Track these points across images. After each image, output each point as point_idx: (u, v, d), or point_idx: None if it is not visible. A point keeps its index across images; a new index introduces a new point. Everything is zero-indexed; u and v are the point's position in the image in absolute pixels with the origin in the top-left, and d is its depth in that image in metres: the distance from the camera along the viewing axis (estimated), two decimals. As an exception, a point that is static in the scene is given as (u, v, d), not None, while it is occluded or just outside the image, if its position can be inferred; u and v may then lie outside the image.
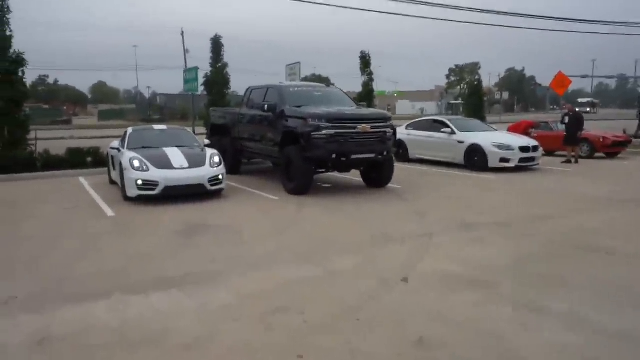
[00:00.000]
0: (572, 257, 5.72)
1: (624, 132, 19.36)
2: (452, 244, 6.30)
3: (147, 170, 9.11)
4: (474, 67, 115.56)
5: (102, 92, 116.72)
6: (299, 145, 9.72)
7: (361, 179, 11.21)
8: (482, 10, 20.64)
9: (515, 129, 18.06)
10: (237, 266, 5.43)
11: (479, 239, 6.48)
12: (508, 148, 13.36)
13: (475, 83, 21.85)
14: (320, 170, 10.38)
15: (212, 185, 9.45)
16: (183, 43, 16.06)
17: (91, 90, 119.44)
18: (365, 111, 10.50)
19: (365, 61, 19.11)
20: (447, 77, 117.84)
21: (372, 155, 9.85)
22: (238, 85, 16.02)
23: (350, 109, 10.58)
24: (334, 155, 9.49)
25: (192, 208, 8.73)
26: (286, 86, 11.46)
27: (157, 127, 11.48)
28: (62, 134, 29.84)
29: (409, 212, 8.31)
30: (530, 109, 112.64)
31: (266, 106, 10.64)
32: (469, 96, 22.08)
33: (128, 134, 10.82)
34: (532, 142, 13.85)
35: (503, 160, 13.30)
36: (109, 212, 8.54)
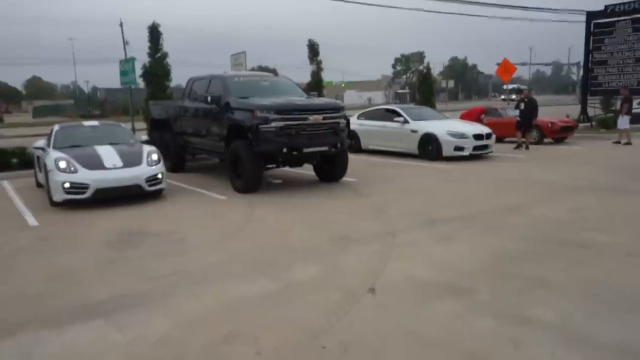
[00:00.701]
0: (548, 253, 5.30)
1: (567, 116, 19.67)
2: (418, 243, 5.77)
3: (75, 171, 8.11)
4: (419, 57, 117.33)
5: (37, 88, 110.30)
6: (247, 139, 8.97)
7: (314, 173, 10.58)
8: None
9: (468, 116, 17.94)
10: (177, 284, 4.66)
11: (446, 236, 5.99)
12: (462, 136, 13.08)
13: (425, 71, 21.63)
14: (271, 166, 9.66)
15: (150, 185, 8.55)
16: (122, 34, 14.84)
17: (25, 85, 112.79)
18: (317, 101, 9.84)
19: (313, 49, 18.45)
20: (393, 66, 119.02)
21: (326, 148, 9.22)
22: (181, 78, 15.04)
23: (301, 99, 9.89)
24: (284, 149, 8.80)
25: (128, 213, 7.82)
26: (231, 76, 10.63)
27: (87, 123, 10.37)
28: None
29: (368, 208, 7.75)
30: (474, 96, 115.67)
31: (209, 98, 9.79)
32: (420, 84, 21.86)
33: (54, 131, 9.69)
34: (485, 130, 13.64)
35: (457, 148, 13.01)
36: (32, 222, 7.51)
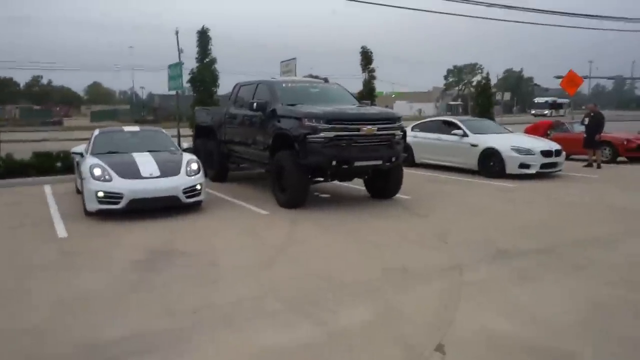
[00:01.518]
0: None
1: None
2: (492, 283, 4.79)
3: (110, 180, 7.58)
4: (472, 68, 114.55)
5: (97, 93, 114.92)
6: (293, 150, 8.22)
7: (364, 188, 9.71)
8: (481, 3, 19.10)
9: (533, 130, 16.57)
10: (200, 325, 3.89)
11: (524, 275, 4.98)
12: (528, 152, 11.87)
13: (484, 82, 20.40)
14: (318, 180, 8.86)
15: (187, 197, 7.92)
16: (177, 42, 14.55)
17: (87, 91, 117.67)
18: (371, 110, 8.99)
19: (366, 57, 17.59)
20: (445, 77, 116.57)
21: (379, 162, 8.34)
22: (230, 87, 14.69)
23: (353, 107, 9.06)
24: (333, 162, 7.99)
25: (162, 226, 7.19)
26: (278, 81, 9.94)
27: (128, 128, 9.91)
28: (46, 135, 28.28)
29: (427, 233, 6.80)
30: (528, 110, 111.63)
31: (255, 104, 9.13)
32: (477, 96, 20.63)
33: (94, 136, 9.27)
34: (554, 146, 12.36)
35: (523, 166, 11.81)
36: (61, 232, 7.00)
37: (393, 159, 8.52)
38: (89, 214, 7.75)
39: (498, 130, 13.75)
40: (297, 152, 8.13)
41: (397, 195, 9.34)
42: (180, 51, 14.79)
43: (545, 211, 8.26)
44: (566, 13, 22.77)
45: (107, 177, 7.59)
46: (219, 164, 11.47)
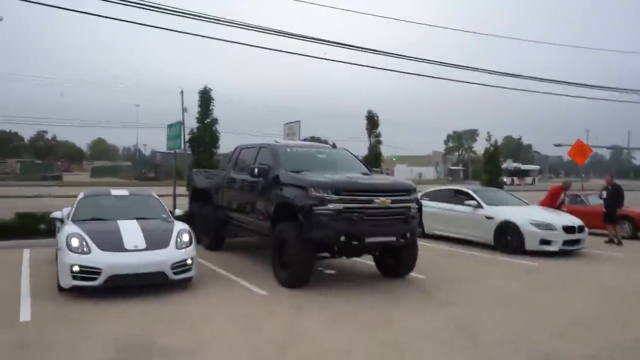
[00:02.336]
0: None
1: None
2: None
3: (88, 252, 6.66)
4: (472, 134, 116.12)
5: (101, 149, 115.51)
6: (297, 222, 7.37)
7: (373, 263, 8.77)
8: (479, 69, 18.85)
9: (551, 200, 15.73)
10: None
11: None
12: (549, 227, 10.99)
13: (492, 149, 19.83)
14: (323, 255, 7.95)
15: (176, 273, 6.97)
16: (182, 102, 14.13)
17: (90, 146, 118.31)
18: (384, 180, 8.20)
19: (372, 121, 17.10)
20: (445, 142, 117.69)
21: (393, 239, 7.46)
22: (230, 146, 14.06)
23: (364, 177, 8.29)
24: (342, 238, 7.11)
25: (142, 310, 6.20)
26: (282, 145, 9.23)
27: (116, 192, 9.05)
28: (42, 191, 27.48)
29: (451, 329, 5.80)
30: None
31: (256, 170, 8.36)
32: (486, 163, 19.98)
33: (77, 200, 8.44)
34: (577, 222, 11.49)
35: (544, 242, 10.90)
36: (24, 315, 5.99)
37: (407, 235, 7.65)
38: (62, 289, 6.78)
39: (513, 201, 12.95)
40: (302, 224, 7.27)
41: (411, 273, 8.40)
42: (184, 110, 14.28)
43: (580, 300, 7.27)
44: (564, 82, 22.43)
45: (85, 248, 6.68)
46: (215, 230, 10.59)
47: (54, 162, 75.06)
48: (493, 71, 19.73)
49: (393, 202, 7.44)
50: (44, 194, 25.79)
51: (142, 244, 6.96)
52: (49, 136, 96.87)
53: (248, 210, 9.10)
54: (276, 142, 9.78)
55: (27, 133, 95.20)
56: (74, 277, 6.54)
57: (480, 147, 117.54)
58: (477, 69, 18.70)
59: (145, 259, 6.76)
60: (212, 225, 10.62)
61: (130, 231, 7.24)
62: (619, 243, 13.14)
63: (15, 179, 51.34)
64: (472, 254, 11.12)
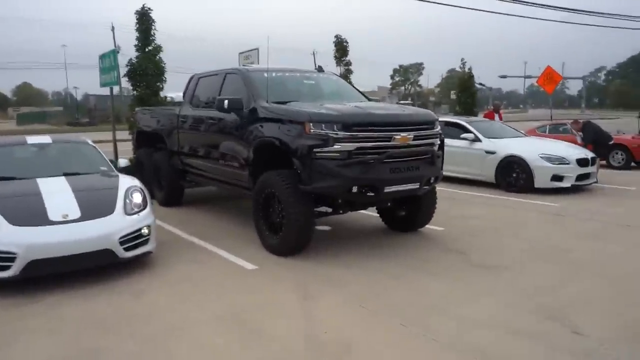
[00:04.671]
0: None
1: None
2: None
3: (-6, 228, 4.53)
4: (417, 68, 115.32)
5: (27, 94, 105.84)
6: (290, 169, 5.46)
7: (373, 212, 7.09)
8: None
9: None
10: None
11: None
12: (562, 161, 9.61)
13: (467, 77, 18.22)
14: (324, 212, 6.11)
15: (128, 248, 4.97)
16: (114, 39, 11.35)
17: (15, 92, 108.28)
18: (403, 111, 6.19)
19: (342, 47, 14.99)
20: (392, 77, 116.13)
21: (416, 186, 5.68)
22: (177, 87, 11.63)
23: (377, 106, 6.38)
24: (354, 188, 5.28)
25: (83, 311, 4.21)
26: (256, 70, 7.06)
27: (34, 139, 6.59)
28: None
29: (519, 304, 4.21)
30: (474, 109, 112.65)
31: (227, 102, 6.23)
32: (460, 92, 18.39)
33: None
34: (589, 153, 10.18)
35: (556, 178, 9.54)
36: None
37: (432, 180, 5.92)
38: (-39, 282, 4.66)
39: (511, 133, 11.45)
40: (297, 173, 5.37)
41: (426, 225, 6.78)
42: (117, 49, 11.54)
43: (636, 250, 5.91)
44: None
45: (-12, 223, 4.53)
46: (171, 183, 8.49)
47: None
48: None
49: (415, 138, 5.61)
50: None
51: (74, 211, 4.85)
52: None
53: (215, 156, 7.04)
54: (246, 66, 7.59)
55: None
56: (-26, 267, 4.42)
57: (425, 81, 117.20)
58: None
59: (80, 234, 4.68)
60: (166, 176, 8.51)
61: (57, 193, 5.10)
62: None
63: None
64: (476, 194, 9.64)
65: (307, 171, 5.24)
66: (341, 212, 6.10)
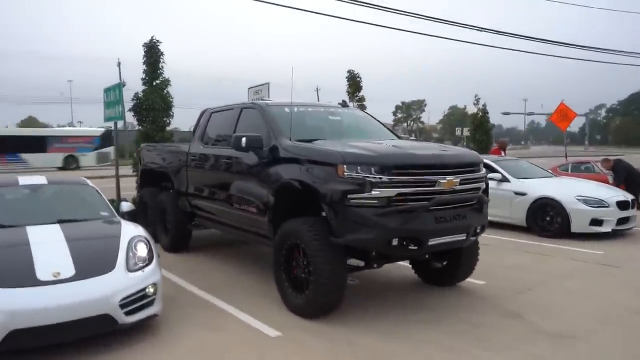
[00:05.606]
0: None
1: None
2: None
3: (-30, 290, 3.77)
4: (420, 104, 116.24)
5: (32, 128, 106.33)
6: (318, 217, 4.73)
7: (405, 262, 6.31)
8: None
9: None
10: None
11: None
12: (601, 204, 8.88)
13: (480, 115, 17.68)
14: (356, 266, 5.34)
15: (130, 312, 4.18)
16: (119, 74, 10.86)
17: (20, 126, 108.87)
18: (447, 151, 5.47)
19: (355, 82, 14.44)
20: (394, 113, 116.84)
21: (462, 237, 4.94)
22: (185, 123, 11.06)
23: (415, 145, 5.71)
24: (395, 241, 4.53)
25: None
26: (276, 105, 6.42)
27: (25, 180, 5.79)
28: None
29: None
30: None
31: (244, 140, 5.55)
32: (474, 130, 17.82)
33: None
34: (628, 196, 9.46)
35: (595, 222, 8.78)
36: None
37: (478, 230, 5.18)
38: None
39: (540, 173, 10.76)
40: (326, 221, 4.64)
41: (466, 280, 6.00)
42: (122, 84, 10.97)
43: None
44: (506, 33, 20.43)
45: (-37, 284, 3.77)
46: (178, 226, 7.75)
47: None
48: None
49: (462, 182, 4.91)
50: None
51: (67, 268, 4.09)
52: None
53: (229, 199, 6.32)
54: (264, 100, 6.98)
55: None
56: (-56, 338, 3.64)
57: (426, 117, 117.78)
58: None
59: (73, 297, 3.91)
60: (173, 218, 7.77)
61: (48, 245, 4.36)
62: None
63: None
64: (506, 239, 8.88)
65: (340, 220, 4.51)
66: (375, 266, 5.32)
